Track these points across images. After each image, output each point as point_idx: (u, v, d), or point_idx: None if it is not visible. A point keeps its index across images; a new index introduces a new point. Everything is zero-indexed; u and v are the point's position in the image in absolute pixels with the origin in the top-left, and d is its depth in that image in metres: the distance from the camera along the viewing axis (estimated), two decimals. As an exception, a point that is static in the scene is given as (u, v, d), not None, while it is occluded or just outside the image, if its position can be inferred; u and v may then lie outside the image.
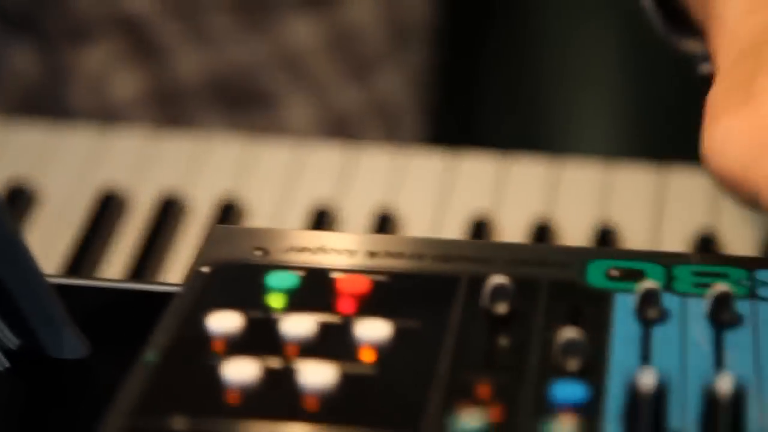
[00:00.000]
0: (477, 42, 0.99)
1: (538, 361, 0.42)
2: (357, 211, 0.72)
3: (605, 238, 0.69)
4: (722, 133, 0.46)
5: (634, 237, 0.68)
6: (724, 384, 0.38)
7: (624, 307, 0.44)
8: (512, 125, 0.97)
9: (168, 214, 0.72)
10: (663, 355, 0.42)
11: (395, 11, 0.93)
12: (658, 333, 0.43)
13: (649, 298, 0.43)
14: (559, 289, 0.45)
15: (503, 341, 0.43)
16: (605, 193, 0.72)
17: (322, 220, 0.72)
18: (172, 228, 0.72)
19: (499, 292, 0.44)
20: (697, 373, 0.40)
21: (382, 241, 0.48)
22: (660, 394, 0.38)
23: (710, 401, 0.38)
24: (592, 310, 0.44)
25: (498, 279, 0.44)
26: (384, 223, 0.71)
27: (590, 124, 0.95)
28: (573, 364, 0.41)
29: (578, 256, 0.46)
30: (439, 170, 0.74)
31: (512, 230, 0.70)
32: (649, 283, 0.44)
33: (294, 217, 0.72)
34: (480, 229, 0.70)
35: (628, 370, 0.40)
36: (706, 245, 0.65)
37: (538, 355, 0.42)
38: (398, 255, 0.47)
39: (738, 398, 0.38)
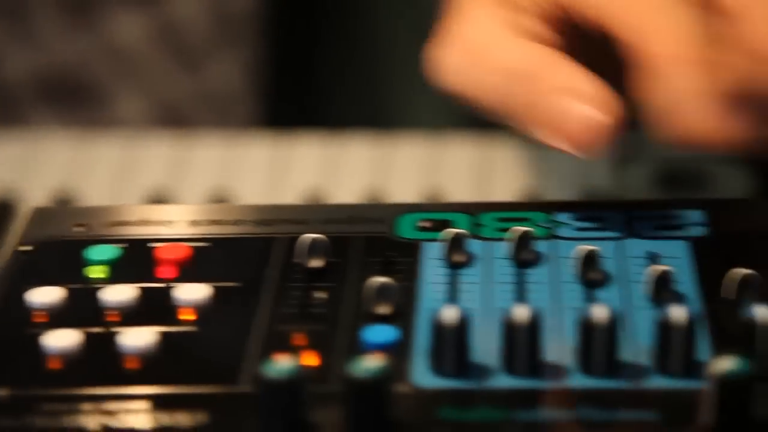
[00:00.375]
0: (308, 26, 1.02)
1: (352, 310, 0.45)
2: (192, 199, 0.75)
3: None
4: (441, 55, 0.52)
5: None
6: (521, 313, 0.42)
7: (432, 254, 0.47)
8: (348, 106, 1.00)
9: (1, 215, 0.74)
10: (468, 296, 0.46)
11: (221, 1, 0.96)
12: (465, 276, 0.47)
13: (454, 244, 0.47)
14: (372, 243, 0.48)
15: (319, 294, 0.46)
16: (433, 166, 0.75)
17: (158, 209, 0.74)
18: (5, 229, 0.74)
19: (313, 248, 0.47)
20: (499, 308, 0.44)
21: (200, 210, 0.51)
22: (463, 329, 0.42)
23: (509, 330, 0.42)
24: (403, 260, 0.47)
25: (312, 236, 0.47)
26: (219, 208, 0.74)
27: (424, 101, 0.98)
28: (384, 309, 0.45)
29: (389, 211, 0.50)
30: (271, 153, 0.77)
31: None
32: (454, 230, 0.47)
33: (129, 208, 0.75)
34: (315, 207, 0.74)
35: (435, 310, 0.44)
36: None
37: (351, 304, 0.45)
38: (217, 222, 0.50)
39: (534, 325, 0.42)
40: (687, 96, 0.46)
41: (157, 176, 0.76)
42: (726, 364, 0.39)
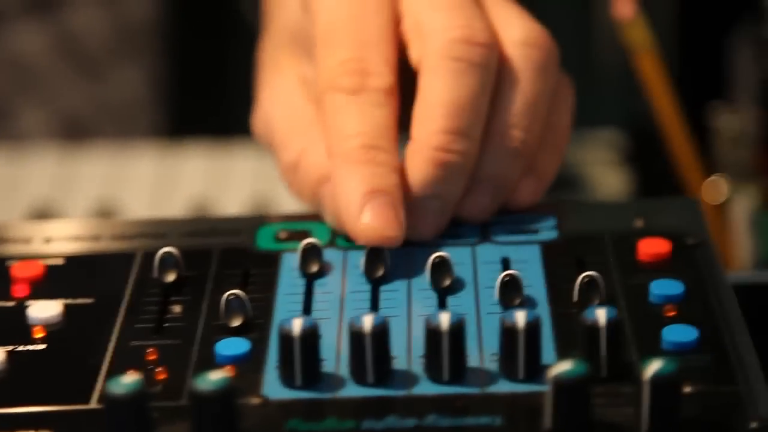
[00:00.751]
0: (211, 35, 1.02)
1: (206, 323, 0.45)
2: (77, 210, 0.75)
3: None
4: (253, 119, 0.55)
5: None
6: (368, 323, 0.42)
7: (289, 264, 0.48)
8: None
9: None
10: (323, 305, 0.46)
11: (120, 12, 0.96)
12: (320, 285, 0.47)
13: (310, 254, 0.48)
14: (230, 255, 0.49)
15: (174, 308, 0.46)
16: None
17: (44, 224, 0.74)
18: None
19: (167, 263, 0.47)
20: (352, 318, 0.45)
21: (57, 227, 0.51)
22: (310, 340, 0.42)
23: (357, 340, 0.42)
24: (261, 271, 0.48)
25: (166, 250, 0.47)
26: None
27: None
28: (237, 321, 0.45)
29: (249, 223, 0.50)
30: (160, 165, 0.78)
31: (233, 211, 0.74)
32: (310, 240, 0.48)
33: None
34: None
35: (288, 322, 0.44)
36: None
37: (205, 317, 0.46)
38: (74, 238, 0.50)
39: (382, 335, 0.42)
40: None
41: (42, 190, 0.76)
42: (563, 366, 0.39)
